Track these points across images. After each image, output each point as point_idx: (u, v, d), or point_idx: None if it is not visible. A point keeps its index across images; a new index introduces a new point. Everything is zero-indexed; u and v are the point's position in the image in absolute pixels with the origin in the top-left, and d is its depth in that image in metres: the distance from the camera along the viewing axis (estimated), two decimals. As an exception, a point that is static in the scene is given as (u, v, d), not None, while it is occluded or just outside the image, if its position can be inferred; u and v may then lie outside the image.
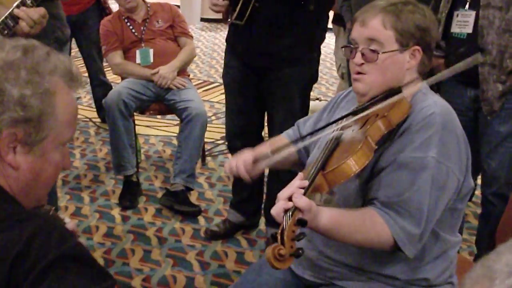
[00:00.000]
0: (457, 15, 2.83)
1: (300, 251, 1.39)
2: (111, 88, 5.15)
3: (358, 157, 1.55)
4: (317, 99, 4.57)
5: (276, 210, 1.52)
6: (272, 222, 3.31)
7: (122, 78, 4.23)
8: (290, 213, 1.48)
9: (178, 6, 10.33)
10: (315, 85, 6.44)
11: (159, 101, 4.10)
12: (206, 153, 4.60)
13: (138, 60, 4.12)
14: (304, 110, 3.17)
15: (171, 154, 4.72)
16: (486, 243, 2.95)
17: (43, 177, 1.26)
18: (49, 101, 1.19)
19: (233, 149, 3.32)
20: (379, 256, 1.74)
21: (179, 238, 3.47)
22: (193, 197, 3.91)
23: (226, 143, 3.43)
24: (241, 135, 3.26)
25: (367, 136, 1.61)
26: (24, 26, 2.19)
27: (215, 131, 5.14)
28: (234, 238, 3.47)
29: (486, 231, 2.98)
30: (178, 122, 4.94)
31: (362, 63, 1.76)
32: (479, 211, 3.18)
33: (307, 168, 1.75)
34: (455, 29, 2.84)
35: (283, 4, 2.81)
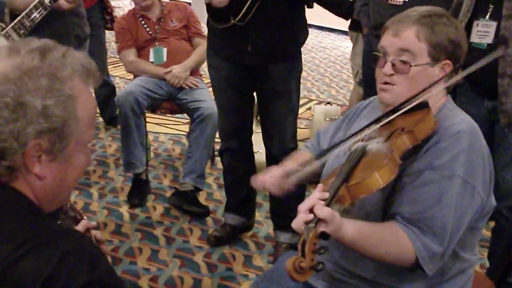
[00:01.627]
0: (477, 25, 2.80)
1: (321, 266, 1.37)
2: (114, 88, 5.16)
3: (384, 172, 1.53)
4: (328, 103, 4.54)
5: (297, 224, 1.50)
6: (280, 227, 3.32)
7: (135, 76, 4.23)
8: (313, 224, 1.45)
9: (189, 4, 10.40)
10: (325, 88, 6.44)
11: (171, 100, 4.10)
12: (215, 153, 4.59)
13: (151, 59, 4.12)
14: (298, 104, 3.20)
15: (181, 153, 4.72)
16: (500, 257, 2.92)
17: (69, 181, 1.25)
18: (71, 107, 1.18)
19: (229, 149, 3.32)
20: (396, 271, 1.73)
21: (187, 238, 3.47)
22: (201, 198, 3.90)
23: (221, 143, 3.38)
24: (236, 134, 3.27)
25: (392, 151, 1.58)
26: (63, 4, 2.18)
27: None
28: (242, 241, 3.46)
29: (500, 245, 2.95)
30: (188, 120, 4.97)
31: (392, 74, 1.75)
32: (491, 223, 3.16)
33: (326, 178, 1.74)
34: (474, 39, 2.82)
35: (287, 3, 2.81)
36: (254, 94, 3.24)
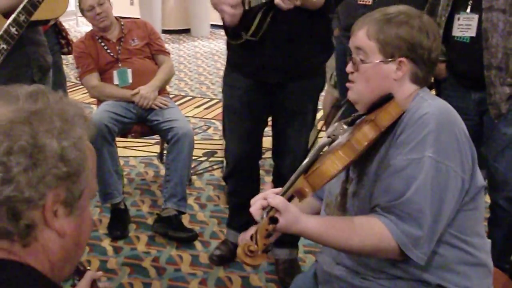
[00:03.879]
0: (459, 19, 2.74)
1: (270, 247, 1.51)
2: None
3: (337, 157, 1.58)
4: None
5: (254, 210, 1.62)
6: (277, 242, 3.18)
7: (99, 101, 4.05)
8: (265, 213, 1.56)
9: (138, 19, 10.20)
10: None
11: (142, 123, 3.93)
12: (191, 171, 4.44)
13: (116, 81, 3.94)
14: (313, 123, 3.10)
15: (154, 175, 4.55)
16: (498, 250, 2.86)
17: (83, 238, 1.10)
18: (83, 149, 1.04)
19: (236, 174, 3.19)
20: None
21: (178, 266, 3.30)
22: (185, 220, 3.74)
23: (227, 167, 3.28)
24: (246, 159, 3.13)
25: (350, 139, 1.61)
26: None
27: (196, 148, 4.95)
28: (235, 262, 3.31)
29: (498, 236, 2.91)
30: (157, 140, 4.81)
31: (352, 72, 1.81)
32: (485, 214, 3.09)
33: None
34: (456, 32, 2.76)
35: (302, 14, 2.63)
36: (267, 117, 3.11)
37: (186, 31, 10.58)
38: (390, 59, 1.73)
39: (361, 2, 3.18)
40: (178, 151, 3.66)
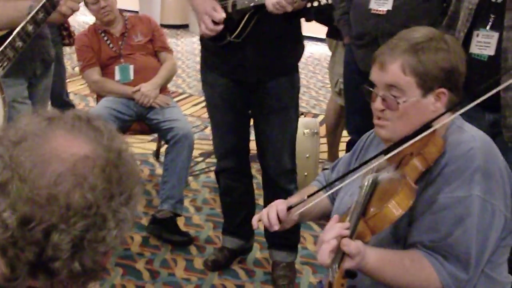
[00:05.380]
0: (478, 35, 2.67)
1: None
2: (74, 107, 4.87)
3: (401, 199, 1.45)
4: (302, 114, 4.36)
5: (322, 255, 1.43)
6: (276, 245, 3.14)
7: (99, 96, 3.97)
8: (336, 265, 1.39)
9: (137, 12, 10.11)
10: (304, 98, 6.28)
11: (141, 121, 3.86)
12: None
13: (117, 77, 3.87)
14: (297, 123, 3.05)
15: (150, 174, 4.47)
16: None
17: None
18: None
19: (225, 169, 3.16)
20: None
21: (172, 270, 3.23)
22: (180, 223, 3.66)
23: (217, 164, 3.24)
24: (233, 154, 3.10)
25: (405, 176, 1.51)
26: (66, 9, 1.95)
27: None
28: (230, 269, 3.25)
29: None
30: (153, 138, 4.74)
31: (383, 109, 1.67)
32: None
33: (342, 217, 1.61)
34: (474, 49, 2.69)
35: (281, 16, 2.63)
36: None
37: (185, 27, 10.49)
38: (429, 92, 1.64)
39: (374, 11, 3.10)
40: (177, 152, 3.60)
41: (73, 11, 2.02)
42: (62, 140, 0.94)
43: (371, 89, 1.71)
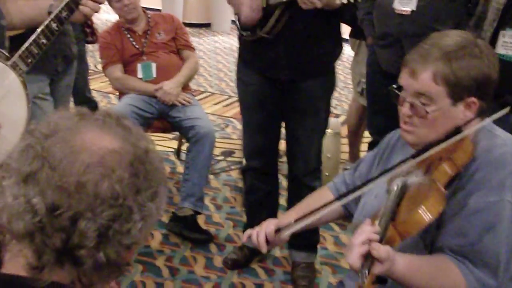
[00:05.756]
0: (504, 35, 2.65)
1: None
2: (96, 105, 4.90)
3: (431, 204, 1.42)
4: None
5: (353, 259, 1.40)
6: (295, 245, 3.13)
7: (121, 93, 3.99)
8: (366, 270, 1.37)
9: (159, 10, 10.14)
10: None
11: (162, 118, 3.87)
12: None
13: (139, 75, 3.88)
14: (327, 124, 3.04)
15: (171, 172, 4.48)
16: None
17: None
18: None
19: (252, 169, 3.15)
20: None
21: (191, 268, 3.24)
22: (200, 221, 3.67)
23: (245, 162, 3.25)
24: (261, 153, 3.09)
25: (435, 181, 1.48)
26: (88, 11, 1.96)
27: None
28: (250, 268, 3.26)
29: None
30: (174, 136, 4.75)
31: (411, 115, 1.66)
32: None
33: (371, 220, 1.58)
34: (500, 50, 2.66)
35: (317, 14, 2.59)
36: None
37: (207, 26, 10.51)
38: (458, 101, 1.60)
39: (398, 11, 3.07)
40: (199, 151, 3.60)
41: (94, 11, 2.03)
42: (92, 134, 0.97)
43: (398, 92, 1.69)
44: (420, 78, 1.60)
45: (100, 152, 0.95)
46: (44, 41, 1.90)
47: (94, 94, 6.22)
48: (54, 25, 1.92)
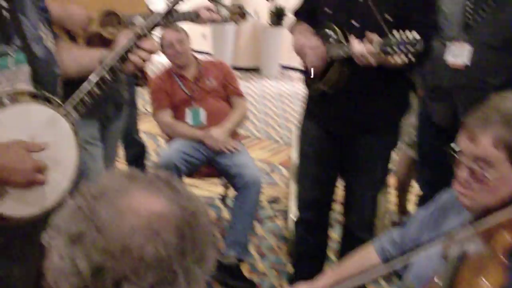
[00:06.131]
0: None
1: None
2: (144, 147, 4.94)
3: (493, 278, 1.37)
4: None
5: None
6: None
7: (169, 137, 4.02)
8: None
9: (209, 53, 10.27)
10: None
11: (210, 164, 3.87)
12: (253, 217, 4.35)
13: (188, 120, 3.92)
14: (384, 180, 3.00)
15: (216, 218, 4.46)
16: None
17: None
18: None
19: (304, 221, 3.11)
20: None
21: (234, 318, 3.19)
22: (244, 269, 3.63)
23: (298, 214, 3.19)
24: (314, 206, 3.05)
25: (496, 252, 1.42)
26: (140, 62, 1.98)
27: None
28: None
29: None
30: (221, 181, 4.73)
31: (469, 179, 1.61)
32: None
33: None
34: None
35: (379, 70, 2.53)
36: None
37: (256, 70, 10.59)
38: None
39: (452, 65, 3.02)
40: (245, 199, 3.59)
41: (146, 61, 2.04)
42: (140, 196, 0.97)
43: (456, 155, 1.64)
44: (480, 143, 1.56)
45: (147, 215, 0.95)
46: (97, 91, 1.92)
47: (142, 135, 6.29)
48: (107, 75, 1.94)
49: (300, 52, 2.73)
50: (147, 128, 6.47)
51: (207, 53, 10.38)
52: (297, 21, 2.93)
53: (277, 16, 10.04)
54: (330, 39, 2.63)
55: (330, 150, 2.89)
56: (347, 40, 2.54)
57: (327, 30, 2.66)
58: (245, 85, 9.28)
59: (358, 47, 2.40)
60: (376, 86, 2.69)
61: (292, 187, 4.33)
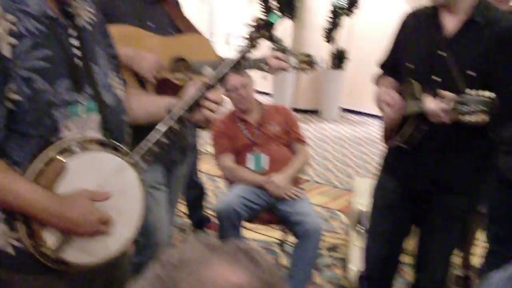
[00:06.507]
0: None
1: None
2: (203, 189, 4.94)
3: None
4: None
5: None
6: None
7: (229, 181, 4.00)
8: None
9: (270, 94, 10.30)
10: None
11: (270, 211, 3.83)
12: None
13: (250, 165, 3.89)
14: (459, 241, 2.91)
15: (274, 263, 4.38)
16: None
17: None
18: None
19: (370, 277, 3.02)
20: None
21: None
22: (301, 320, 3.55)
23: (364, 268, 3.11)
24: (382, 262, 2.97)
25: None
26: (209, 114, 1.96)
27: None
28: None
29: None
30: (280, 227, 4.67)
31: None
32: None
33: None
34: None
35: (458, 128, 2.43)
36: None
37: (315, 112, 10.57)
38: None
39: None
40: (305, 248, 3.54)
41: (214, 112, 2.01)
42: (220, 268, 0.95)
43: None
44: None
45: (228, 286, 0.93)
46: (165, 141, 1.91)
47: (200, 175, 6.31)
48: (176, 125, 1.92)
49: (379, 105, 2.68)
50: (206, 168, 6.48)
51: (267, 94, 10.44)
52: (381, 73, 2.88)
53: (338, 59, 10.04)
54: (409, 94, 2.58)
55: (406, 206, 2.80)
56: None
57: (407, 85, 2.60)
58: (304, 127, 9.25)
59: (431, 104, 2.35)
60: (455, 143, 2.58)
61: (352, 235, 4.25)
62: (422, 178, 2.68)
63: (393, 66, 2.80)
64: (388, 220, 2.87)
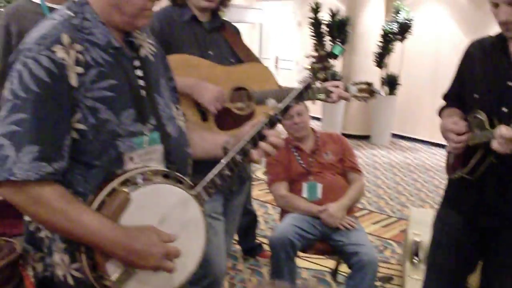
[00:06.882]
0: None
1: None
2: (255, 216, 4.91)
3: None
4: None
5: None
6: None
7: (283, 210, 3.95)
8: None
9: (319, 119, 10.26)
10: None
11: (324, 241, 3.76)
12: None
13: (304, 194, 3.84)
14: None
15: (326, 294, 4.33)
16: None
17: None
18: None
19: None
20: None
21: None
22: None
23: None
24: None
25: None
26: (270, 149, 1.94)
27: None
28: None
29: None
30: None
31: None
32: None
33: None
34: None
35: None
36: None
37: (366, 138, 10.46)
38: None
39: None
40: (361, 279, 3.45)
41: (276, 147, 1.98)
42: None
43: None
44: None
45: None
46: (228, 173, 1.89)
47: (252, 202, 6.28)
48: (238, 157, 1.90)
49: (444, 135, 2.60)
50: (256, 194, 6.46)
51: (316, 119, 10.40)
52: (445, 104, 2.80)
53: (390, 84, 9.95)
54: (475, 125, 2.50)
55: (470, 242, 2.67)
56: (492, 127, 2.40)
57: (474, 116, 2.52)
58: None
59: (506, 131, 2.25)
60: None
61: (407, 266, 4.15)
62: (489, 213, 2.55)
63: (457, 97, 2.72)
64: (452, 257, 2.74)
